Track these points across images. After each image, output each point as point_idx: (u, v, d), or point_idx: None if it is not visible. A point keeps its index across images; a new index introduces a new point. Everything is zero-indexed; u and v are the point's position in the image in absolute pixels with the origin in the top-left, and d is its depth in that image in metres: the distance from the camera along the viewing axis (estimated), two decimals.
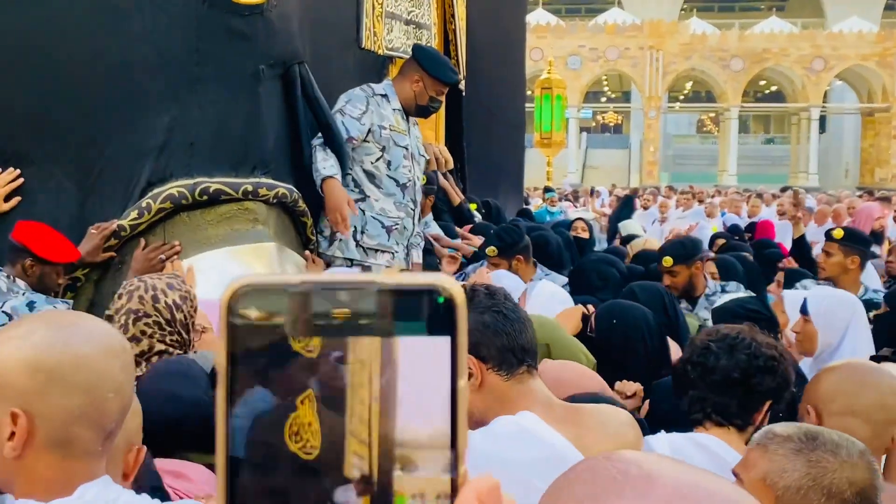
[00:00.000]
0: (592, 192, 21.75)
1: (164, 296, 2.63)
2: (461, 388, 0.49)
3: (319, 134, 4.42)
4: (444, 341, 0.50)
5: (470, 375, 2.02)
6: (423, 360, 0.50)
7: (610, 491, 0.85)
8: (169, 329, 2.63)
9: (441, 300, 0.50)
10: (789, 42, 42.01)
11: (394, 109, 4.80)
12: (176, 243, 3.82)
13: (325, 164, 4.38)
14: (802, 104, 42.77)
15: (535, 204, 13.81)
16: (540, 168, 16.91)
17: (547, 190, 14.58)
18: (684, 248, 5.06)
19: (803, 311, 3.80)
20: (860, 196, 17.96)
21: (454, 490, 0.50)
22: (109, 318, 2.67)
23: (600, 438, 2.32)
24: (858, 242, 5.19)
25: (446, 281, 0.50)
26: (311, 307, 0.50)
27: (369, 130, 4.69)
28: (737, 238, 8.87)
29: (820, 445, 1.80)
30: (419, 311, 0.50)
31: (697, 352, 2.53)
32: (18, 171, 3.79)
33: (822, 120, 44.71)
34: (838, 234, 5.21)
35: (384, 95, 4.79)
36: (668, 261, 4.93)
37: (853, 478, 1.76)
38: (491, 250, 5.07)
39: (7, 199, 3.81)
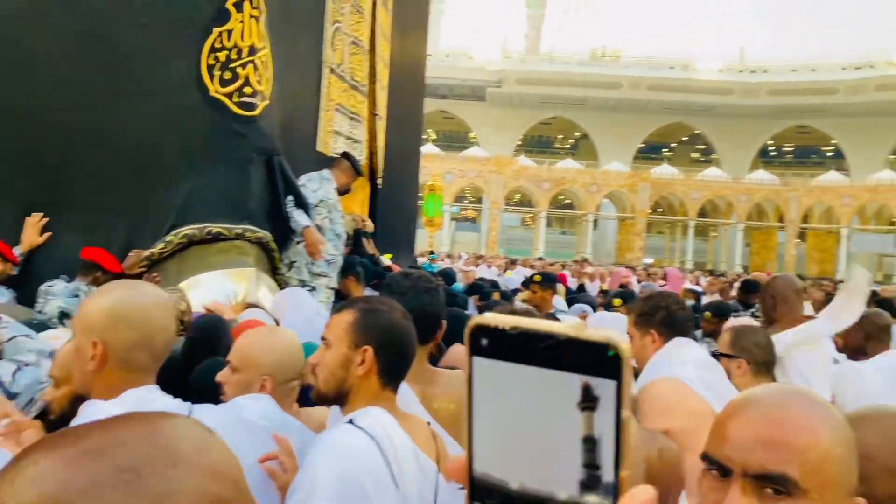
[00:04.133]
0: (459, 256, 22.04)
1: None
2: (625, 418, 0.39)
3: (291, 197, 4.31)
4: (609, 383, 0.40)
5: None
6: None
7: None
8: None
9: (611, 353, 0.40)
10: (577, 174, 43.54)
11: (333, 188, 4.79)
12: (155, 275, 3.62)
13: (300, 217, 4.29)
14: (584, 211, 44.09)
15: (421, 261, 13.83)
16: (425, 240, 16.96)
17: (431, 253, 14.69)
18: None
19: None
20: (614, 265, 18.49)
21: (616, 497, 0.39)
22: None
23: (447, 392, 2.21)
24: (549, 282, 5.10)
25: (617, 339, 0.40)
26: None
27: (321, 200, 4.63)
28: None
29: None
30: (592, 358, 0.40)
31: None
32: (42, 213, 3.67)
33: (595, 221, 46.14)
34: (538, 278, 5.13)
35: (328, 179, 4.77)
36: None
37: None
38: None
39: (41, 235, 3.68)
